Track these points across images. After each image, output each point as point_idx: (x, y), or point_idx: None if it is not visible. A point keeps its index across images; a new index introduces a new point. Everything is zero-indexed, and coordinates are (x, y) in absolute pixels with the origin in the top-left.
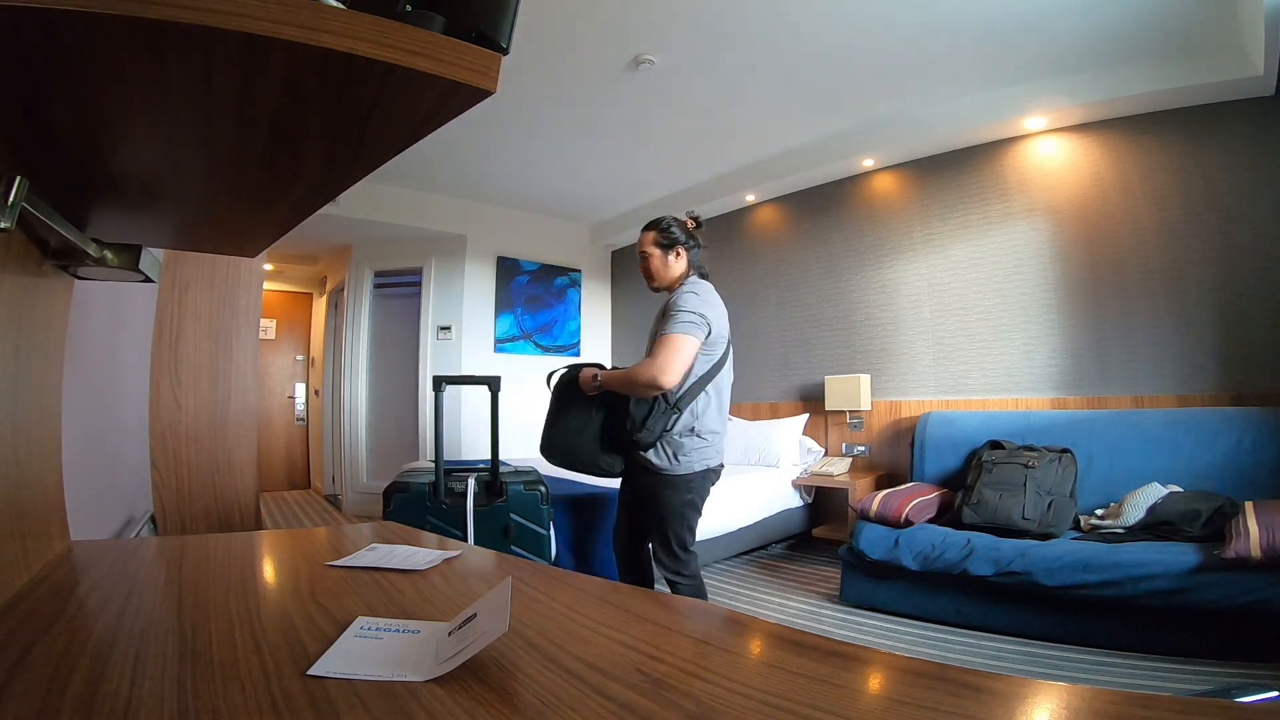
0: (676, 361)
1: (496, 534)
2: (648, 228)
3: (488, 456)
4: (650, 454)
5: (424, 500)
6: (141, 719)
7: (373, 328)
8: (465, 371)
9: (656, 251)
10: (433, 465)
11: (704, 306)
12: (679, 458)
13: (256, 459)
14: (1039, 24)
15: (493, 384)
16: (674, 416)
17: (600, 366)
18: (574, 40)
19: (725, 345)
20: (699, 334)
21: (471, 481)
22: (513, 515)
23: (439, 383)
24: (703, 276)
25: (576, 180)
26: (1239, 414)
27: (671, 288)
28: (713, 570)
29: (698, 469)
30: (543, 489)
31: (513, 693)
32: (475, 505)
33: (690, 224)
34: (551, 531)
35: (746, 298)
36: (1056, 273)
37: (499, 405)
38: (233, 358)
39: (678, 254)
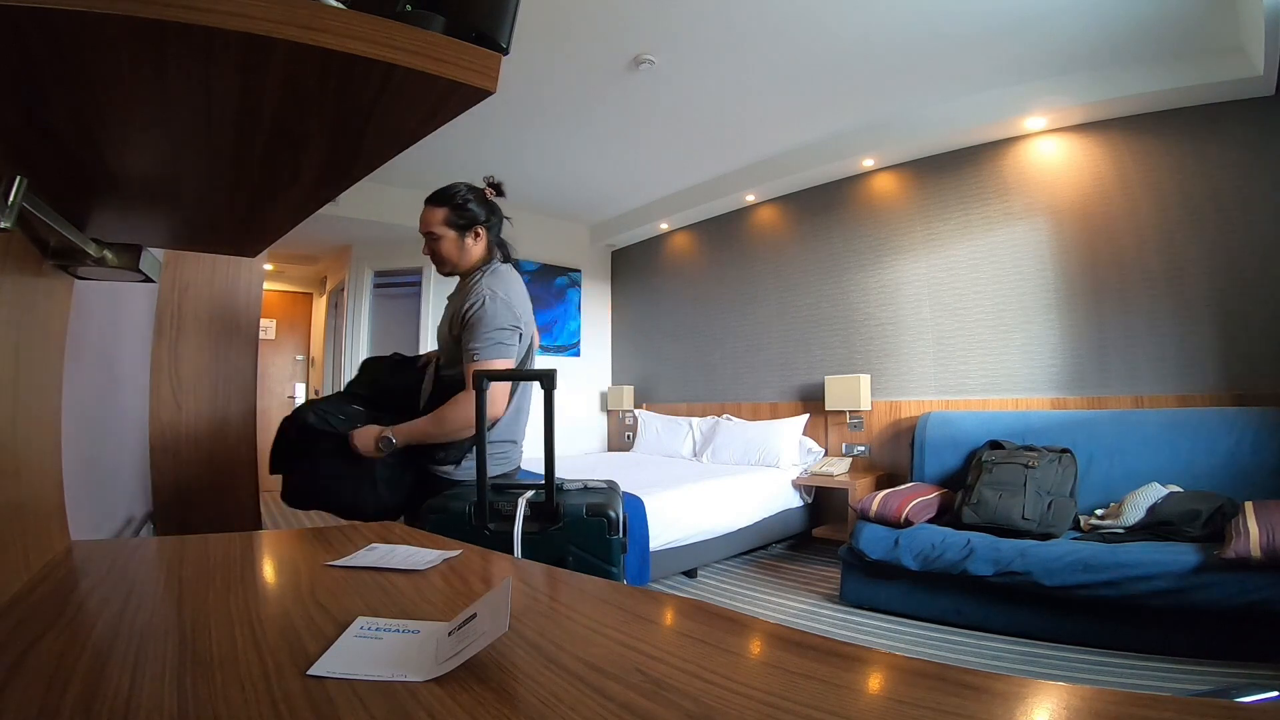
0: (500, 391)
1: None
2: (436, 201)
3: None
4: (450, 463)
5: (465, 523)
6: (141, 719)
7: (373, 328)
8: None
9: (450, 234)
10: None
11: (512, 313)
12: (464, 463)
13: (256, 459)
14: (1039, 24)
15: (547, 380)
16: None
17: (358, 402)
18: (574, 40)
19: (529, 342)
20: (514, 353)
21: (522, 502)
22: (571, 546)
23: (481, 379)
24: (506, 259)
25: (576, 180)
26: (1239, 414)
27: (467, 273)
28: (713, 570)
29: (493, 474)
30: (611, 515)
31: (513, 693)
32: (524, 531)
33: (489, 193)
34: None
35: (746, 298)
36: (1056, 273)
37: (552, 406)
38: (233, 358)
39: (476, 235)
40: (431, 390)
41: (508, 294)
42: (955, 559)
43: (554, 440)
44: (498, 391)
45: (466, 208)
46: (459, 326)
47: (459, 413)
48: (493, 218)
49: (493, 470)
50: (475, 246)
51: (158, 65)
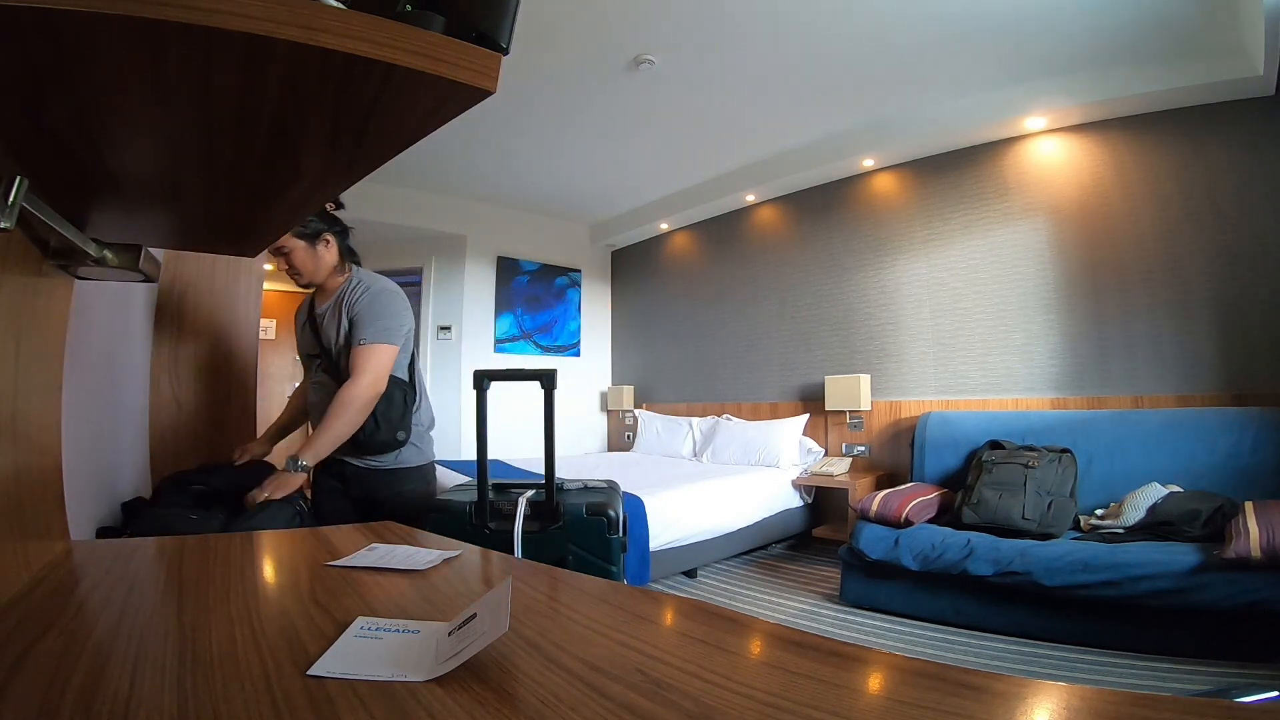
0: (384, 370)
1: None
2: None
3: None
4: (386, 454)
5: (465, 522)
6: (141, 719)
7: None
8: (464, 371)
9: (299, 244)
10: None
11: (397, 307)
12: (419, 446)
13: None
14: (1038, 24)
15: (546, 380)
16: (418, 403)
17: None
18: (574, 40)
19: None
20: (398, 340)
21: (523, 502)
22: (571, 545)
23: (482, 379)
24: (355, 263)
25: (576, 180)
26: (1239, 414)
27: (327, 282)
28: (712, 570)
29: (430, 459)
30: (611, 515)
31: (513, 693)
32: (525, 530)
33: (330, 206)
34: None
35: (746, 298)
36: (1056, 273)
37: (552, 406)
38: (233, 358)
39: (326, 242)
40: (324, 386)
41: (391, 295)
42: (955, 559)
43: (554, 440)
44: (384, 372)
45: (308, 220)
46: (345, 322)
47: (358, 395)
48: (336, 226)
49: (415, 461)
50: (327, 254)
51: (158, 65)
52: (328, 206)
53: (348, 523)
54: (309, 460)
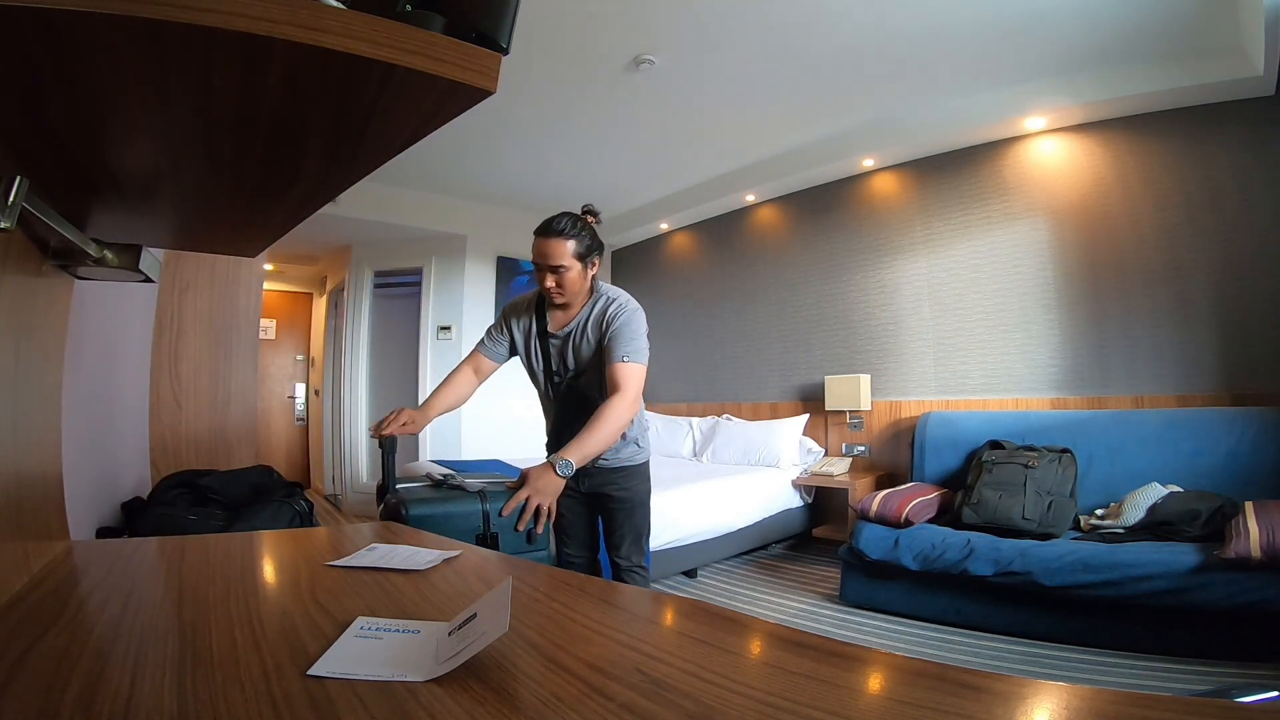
0: (641, 388)
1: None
2: (560, 234)
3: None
4: (621, 453)
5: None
6: (141, 719)
7: (373, 328)
8: None
9: (577, 265)
10: (435, 470)
11: (646, 328)
12: (639, 445)
13: (256, 459)
14: (1039, 24)
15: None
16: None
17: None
18: (574, 40)
19: None
20: (646, 359)
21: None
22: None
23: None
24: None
25: (576, 180)
26: (1239, 414)
27: (576, 302)
28: (713, 570)
29: (649, 455)
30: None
31: (513, 693)
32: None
33: (593, 220)
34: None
35: (746, 298)
36: (1057, 273)
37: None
38: (233, 358)
39: (594, 264)
40: (568, 401)
41: (639, 309)
42: (955, 559)
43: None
44: (639, 391)
45: (587, 238)
46: (600, 335)
47: (621, 413)
48: (601, 247)
49: (639, 459)
50: (591, 274)
51: (157, 65)
52: (589, 219)
53: (580, 517)
54: (576, 462)
